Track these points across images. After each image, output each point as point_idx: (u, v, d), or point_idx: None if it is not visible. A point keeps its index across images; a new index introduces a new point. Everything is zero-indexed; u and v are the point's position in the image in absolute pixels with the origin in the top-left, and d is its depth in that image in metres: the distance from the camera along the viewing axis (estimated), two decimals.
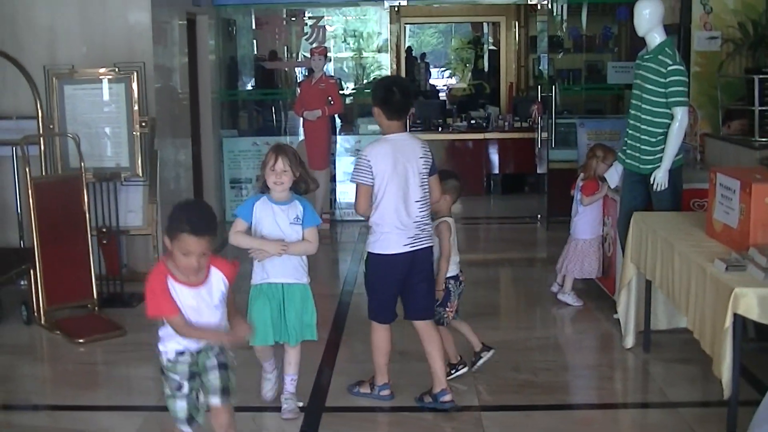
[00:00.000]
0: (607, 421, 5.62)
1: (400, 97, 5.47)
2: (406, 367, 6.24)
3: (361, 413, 5.65)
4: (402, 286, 5.57)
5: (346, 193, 12.03)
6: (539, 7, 14.38)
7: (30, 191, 7.39)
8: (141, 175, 8.35)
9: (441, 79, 25.30)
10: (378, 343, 5.69)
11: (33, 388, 6.27)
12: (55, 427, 5.58)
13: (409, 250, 5.45)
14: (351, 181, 5.55)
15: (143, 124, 8.30)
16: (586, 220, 7.93)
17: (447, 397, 5.58)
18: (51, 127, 8.25)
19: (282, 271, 5.39)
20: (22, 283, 7.77)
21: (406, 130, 5.62)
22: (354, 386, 5.89)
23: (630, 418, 5.76)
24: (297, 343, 5.51)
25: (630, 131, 6.97)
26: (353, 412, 5.67)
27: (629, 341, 6.61)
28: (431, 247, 5.62)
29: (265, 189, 5.36)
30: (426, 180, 5.53)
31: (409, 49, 20.53)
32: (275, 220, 5.33)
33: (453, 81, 24.27)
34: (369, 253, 5.57)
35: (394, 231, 5.43)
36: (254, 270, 5.46)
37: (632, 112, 6.94)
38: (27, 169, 7.44)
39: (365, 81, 15.58)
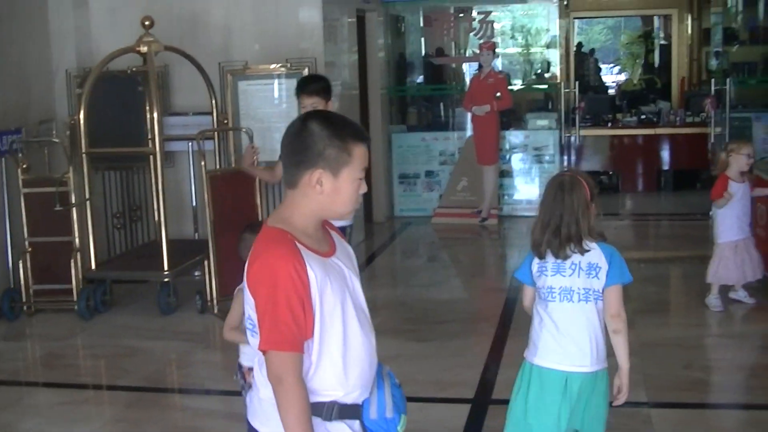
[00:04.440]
0: None
1: None
2: None
3: None
4: None
5: (513, 188, 12.00)
6: None
7: (205, 184, 7.61)
8: None
9: (610, 75, 24.86)
10: None
11: (206, 374, 6.49)
12: (227, 411, 5.76)
13: None
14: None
15: None
16: (720, 221, 7.36)
17: None
18: (225, 122, 8.50)
19: None
20: (196, 273, 8.01)
21: None
22: None
23: None
24: None
25: None
26: None
27: None
28: None
29: None
30: None
31: (579, 45, 20.22)
32: None
33: (622, 77, 23.82)
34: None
35: None
36: None
37: None
38: (203, 163, 7.67)
39: (534, 76, 15.48)
